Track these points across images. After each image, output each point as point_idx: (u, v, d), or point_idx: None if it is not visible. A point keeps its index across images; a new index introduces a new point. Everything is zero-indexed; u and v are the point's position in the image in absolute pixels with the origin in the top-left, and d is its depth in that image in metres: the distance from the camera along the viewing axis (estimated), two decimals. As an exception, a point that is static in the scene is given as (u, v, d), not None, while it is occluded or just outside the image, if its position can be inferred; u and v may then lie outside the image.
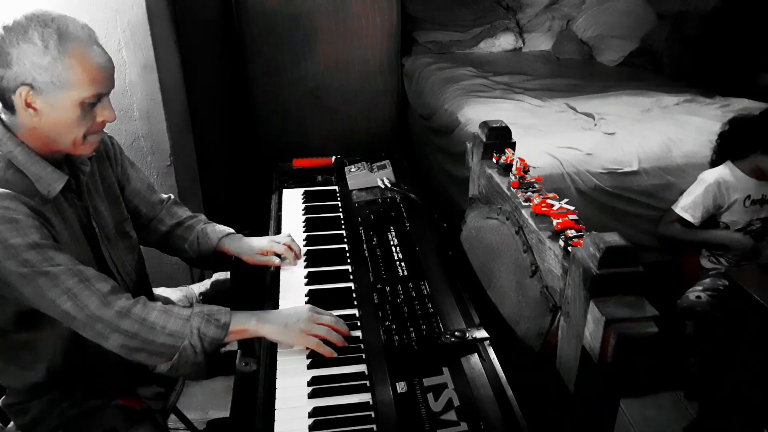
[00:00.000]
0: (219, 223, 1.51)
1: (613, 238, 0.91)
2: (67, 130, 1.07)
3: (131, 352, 1.10)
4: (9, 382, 1.24)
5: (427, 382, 1.06)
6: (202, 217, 1.52)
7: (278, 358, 1.14)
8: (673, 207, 2.17)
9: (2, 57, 1.00)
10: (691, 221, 2.12)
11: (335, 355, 1.13)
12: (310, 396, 1.05)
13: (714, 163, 2.19)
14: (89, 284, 1.06)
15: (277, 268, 1.42)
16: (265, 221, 1.69)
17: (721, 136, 2.16)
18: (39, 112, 1.05)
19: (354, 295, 1.32)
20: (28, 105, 1.04)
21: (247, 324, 1.15)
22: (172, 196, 1.51)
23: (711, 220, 2.15)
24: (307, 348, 1.14)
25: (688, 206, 2.12)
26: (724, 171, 2.10)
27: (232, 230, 1.48)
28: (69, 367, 1.21)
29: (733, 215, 2.11)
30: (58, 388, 1.24)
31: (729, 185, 2.08)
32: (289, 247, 1.43)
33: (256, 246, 1.43)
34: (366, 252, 1.47)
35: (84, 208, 1.21)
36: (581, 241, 0.97)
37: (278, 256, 1.42)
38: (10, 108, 1.06)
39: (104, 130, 1.18)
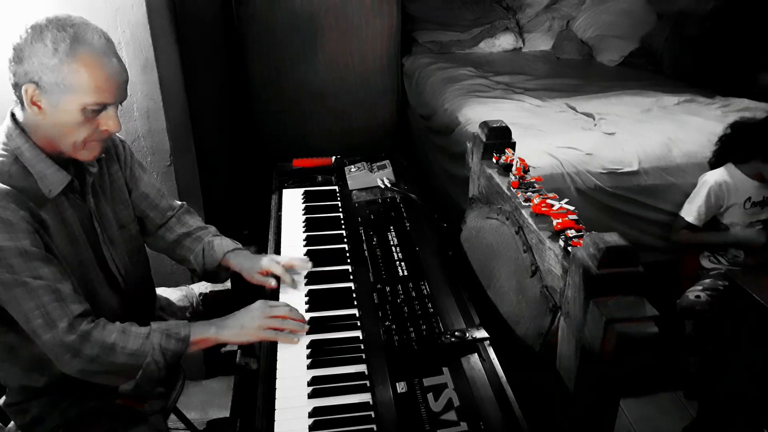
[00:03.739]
0: (219, 223, 1.51)
1: (613, 238, 0.91)
2: (67, 132, 1.08)
3: (91, 376, 1.10)
4: (8, 381, 1.24)
5: (427, 382, 1.06)
6: (212, 228, 1.48)
7: (278, 358, 1.14)
8: (681, 213, 2.17)
9: (18, 53, 1.03)
10: (697, 225, 2.13)
11: (296, 340, 1.18)
12: (310, 396, 1.05)
13: (713, 165, 2.19)
14: (63, 304, 1.06)
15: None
16: (265, 221, 1.69)
17: (722, 139, 2.17)
18: (43, 111, 1.06)
19: (354, 295, 1.32)
20: (33, 103, 1.06)
21: (206, 334, 1.18)
22: (185, 204, 1.49)
23: (713, 221, 2.15)
24: (265, 340, 1.18)
25: (693, 210, 2.12)
26: (725, 172, 2.11)
27: (239, 245, 1.45)
28: (68, 377, 1.20)
29: (733, 217, 2.11)
30: (58, 388, 1.23)
31: (730, 187, 2.08)
32: (292, 267, 1.39)
33: (255, 265, 1.38)
34: (366, 252, 1.47)
35: (87, 209, 1.21)
36: (581, 241, 0.97)
37: (276, 277, 1.37)
38: (21, 103, 1.08)
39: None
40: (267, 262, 1.37)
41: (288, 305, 1.24)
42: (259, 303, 1.24)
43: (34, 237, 1.04)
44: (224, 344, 1.22)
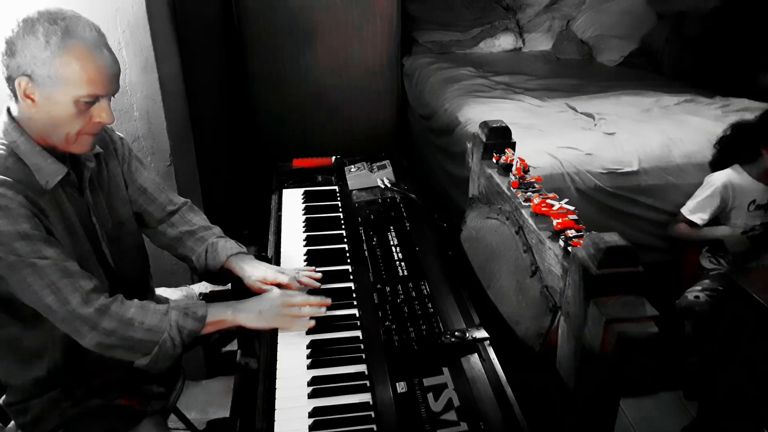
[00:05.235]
0: (219, 223, 1.50)
1: (613, 238, 0.91)
2: (60, 124, 1.09)
3: (107, 349, 1.11)
4: (8, 378, 1.24)
5: (427, 382, 1.06)
6: (217, 229, 1.46)
7: (278, 358, 1.14)
8: (682, 210, 2.16)
9: (10, 46, 1.04)
10: (698, 223, 2.12)
11: (312, 325, 1.20)
12: (310, 396, 1.05)
13: (714, 166, 2.18)
14: (73, 280, 1.07)
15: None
16: (265, 221, 1.69)
17: (722, 141, 2.16)
18: (36, 104, 1.07)
19: (354, 295, 1.32)
20: (27, 96, 1.07)
21: (223, 315, 1.19)
22: (189, 202, 1.47)
23: (714, 222, 2.15)
24: (282, 328, 1.19)
25: (695, 209, 2.12)
26: (731, 174, 2.09)
27: (243, 249, 1.41)
28: (69, 364, 1.22)
29: (736, 218, 2.10)
30: (59, 386, 1.24)
31: (736, 188, 2.08)
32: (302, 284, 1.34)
33: (258, 275, 1.33)
34: (366, 252, 1.47)
35: (85, 203, 1.21)
36: (581, 241, 0.97)
37: (280, 286, 1.31)
38: (15, 96, 1.09)
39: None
40: (272, 274, 1.32)
41: (304, 294, 1.25)
42: (277, 292, 1.24)
43: (34, 221, 1.05)
44: (228, 338, 1.21)
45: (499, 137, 1.46)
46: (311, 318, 1.21)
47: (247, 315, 1.19)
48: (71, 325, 1.08)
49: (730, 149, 2.13)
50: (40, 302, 1.06)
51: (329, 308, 1.26)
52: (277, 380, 1.09)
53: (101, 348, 1.10)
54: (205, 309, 1.17)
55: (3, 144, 1.10)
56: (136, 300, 1.15)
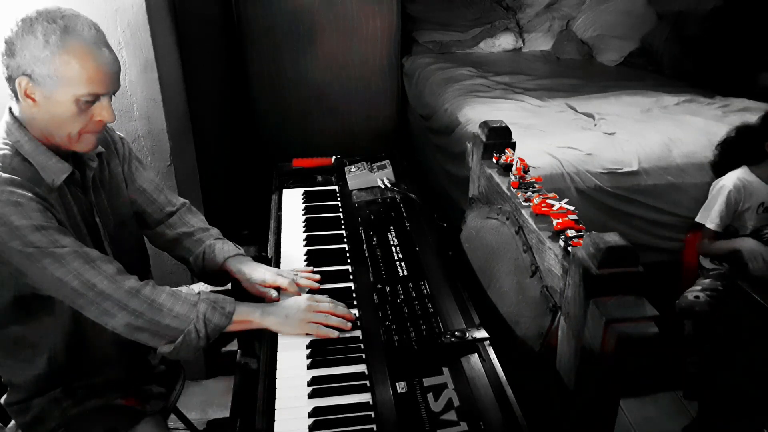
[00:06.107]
0: (219, 223, 1.50)
1: (613, 238, 0.91)
2: (62, 124, 1.09)
3: (134, 331, 1.11)
4: (10, 377, 1.24)
5: (427, 382, 1.06)
6: (214, 231, 1.45)
7: (278, 358, 1.14)
8: (700, 221, 2.14)
9: (10, 46, 1.04)
10: (719, 230, 2.10)
11: (337, 335, 1.18)
12: (310, 396, 1.05)
13: (716, 169, 2.17)
14: (95, 265, 1.08)
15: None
16: (265, 221, 1.69)
17: (724, 144, 2.15)
18: (37, 103, 1.08)
19: (354, 295, 1.32)
20: (27, 95, 1.07)
21: (251, 315, 1.18)
22: (188, 203, 1.47)
23: (728, 227, 2.14)
24: (308, 334, 1.18)
25: (715, 217, 2.09)
26: (742, 174, 2.08)
27: (241, 250, 1.40)
28: (70, 360, 1.22)
29: (745, 221, 2.10)
30: (60, 385, 1.24)
31: (746, 189, 2.06)
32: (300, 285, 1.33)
33: (257, 277, 1.32)
34: (366, 252, 1.47)
35: (88, 203, 1.22)
36: (581, 241, 0.97)
37: (278, 290, 1.31)
38: (16, 96, 1.09)
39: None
40: (271, 276, 1.31)
41: (332, 301, 1.24)
42: (306, 296, 1.24)
43: (46, 214, 1.06)
44: (228, 338, 1.22)
45: (499, 137, 1.46)
46: (336, 329, 1.19)
47: (274, 318, 1.18)
48: (100, 307, 1.08)
49: (734, 152, 2.12)
50: (64, 289, 1.06)
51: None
52: (277, 380, 1.09)
53: (129, 330, 1.10)
54: (233, 306, 1.17)
55: (7, 144, 1.10)
56: (167, 287, 1.15)
